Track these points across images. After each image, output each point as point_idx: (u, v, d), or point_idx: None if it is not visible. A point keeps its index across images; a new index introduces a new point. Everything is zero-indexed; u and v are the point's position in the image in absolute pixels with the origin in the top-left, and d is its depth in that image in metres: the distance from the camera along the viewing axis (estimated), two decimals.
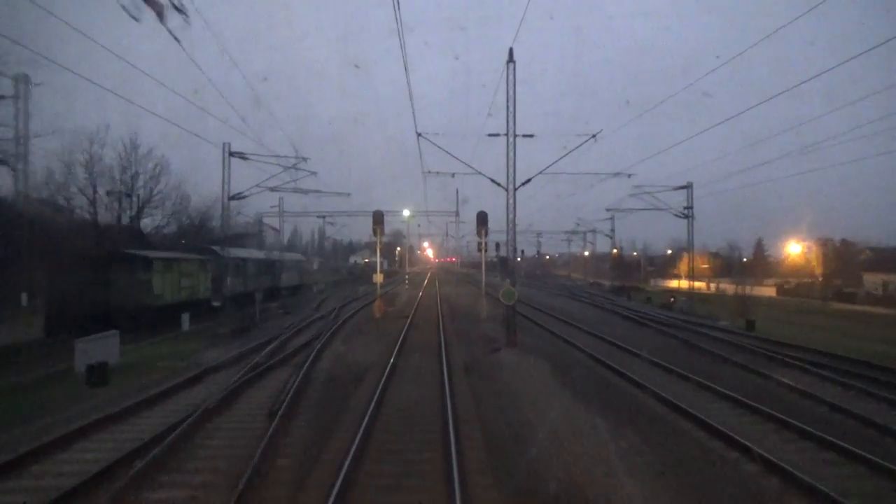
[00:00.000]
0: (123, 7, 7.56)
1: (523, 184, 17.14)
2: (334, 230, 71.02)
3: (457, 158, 17.96)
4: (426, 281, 65.66)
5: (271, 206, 35.91)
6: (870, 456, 7.49)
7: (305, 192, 25.23)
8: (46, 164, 24.68)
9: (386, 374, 12.71)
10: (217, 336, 20.20)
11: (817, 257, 64.94)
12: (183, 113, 21.35)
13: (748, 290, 49.80)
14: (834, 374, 13.25)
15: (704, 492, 6.83)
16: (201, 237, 46.90)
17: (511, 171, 17.00)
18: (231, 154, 21.52)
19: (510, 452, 7.97)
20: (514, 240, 16.82)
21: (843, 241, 69.36)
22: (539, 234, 73.00)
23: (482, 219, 25.59)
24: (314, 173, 23.76)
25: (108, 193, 26.07)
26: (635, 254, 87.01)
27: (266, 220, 42.94)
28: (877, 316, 33.48)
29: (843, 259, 65.47)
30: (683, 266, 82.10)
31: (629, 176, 24.73)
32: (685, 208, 29.36)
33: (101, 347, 14.47)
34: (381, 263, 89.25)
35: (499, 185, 17.31)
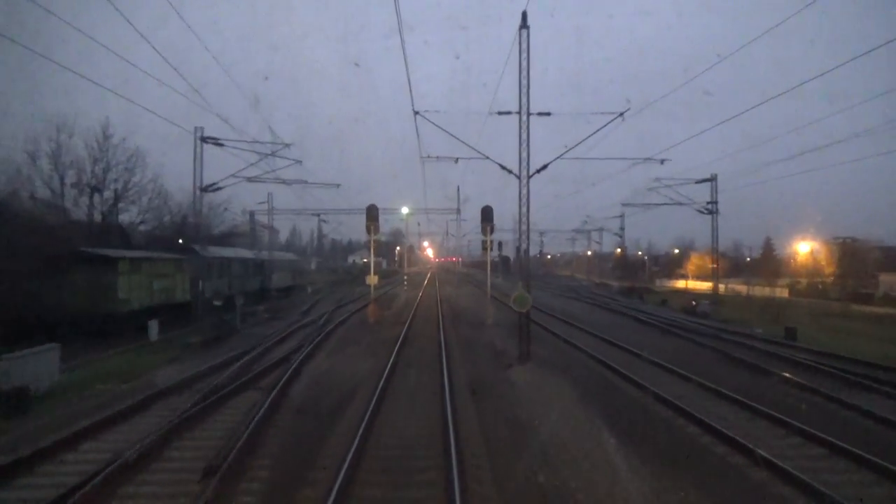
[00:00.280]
0: None
1: (539, 170, 14.65)
2: (331, 229, 68.72)
3: (459, 140, 15.46)
4: (426, 281, 63.13)
5: (259, 203, 33.34)
6: None
7: (289, 182, 22.60)
8: (6, 153, 22.23)
9: (375, 400, 10.20)
10: (187, 347, 17.68)
11: (826, 257, 62.72)
12: (154, 96, 18.90)
13: (759, 290, 47.45)
14: None
15: None
16: (185, 235, 44.53)
17: (524, 155, 14.50)
18: (203, 139, 18.96)
19: None
20: (528, 235, 14.34)
21: (854, 240, 67.17)
22: (542, 234, 70.50)
23: (487, 214, 23.15)
24: (298, 162, 21.22)
25: (73, 186, 23.53)
26: (640, 253, 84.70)
27: (265, 220, 40.56)
28: None
29: (855, 259, 63.21)
30: (691, 266, 79.91)
31: (662, 162, 22.11)
32: (708, 203, 26.84)
33: (34, 366, 11.97)
34: (379, 263, 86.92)
35: (510, 172, 14.81)
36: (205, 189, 19.36)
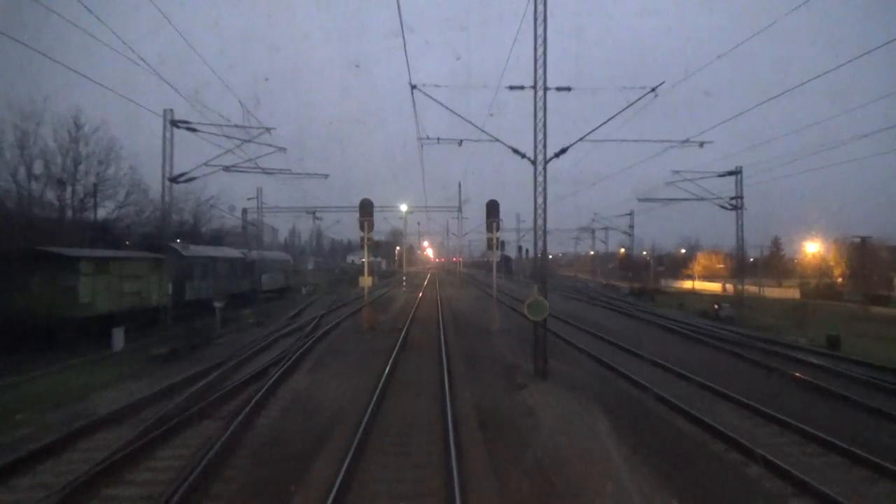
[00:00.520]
0: None
1: (557, 154, 12.44)
2: (327, 227, 66.66)
3: (463, 118, 13.25)
4: (426, 282, 60.97)
5: (249, 198, 31.15)
6: None
7: (272, 172, 20.33)
8: None
9: (359, 437, 8.03)
10: (152, 359, 15.52)
11: (835, 257, 60.78)
12: (124, 80, 16.68)
13: (769, 291, 45.28)
14: None
15: None
16: (182, 233, 42.33)
17: (541, 136, 12.30)
18: (174, 123, 16.75)
19: None
20: (545, 229, 12.15)
21: (863, 240, 65.33)
22: (545, 233, 68.19)
23: (492, 209, 21.02)
24: (282, 149, 19.00)
25: (36, 179, 21.34)
26: (644, 253, 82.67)
27: (262, 219, 38.37)
28: None
29: (868, 259, 61.24)
30: (698, 266, 77.83)
31: (701, 145, 19.64)
32: (732, 198, 24.63)
33: None
34: (378, 264, 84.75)
35: (523, 156, 12.63)
36: (174, 179, 17.16)
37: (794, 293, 55.32)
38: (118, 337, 17.34)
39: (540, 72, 12.36)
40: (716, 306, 25.64)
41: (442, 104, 12.89)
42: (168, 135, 16.67)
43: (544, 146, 12.37)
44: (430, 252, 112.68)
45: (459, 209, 46.98)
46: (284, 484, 6.67)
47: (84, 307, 17.84)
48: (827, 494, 6.36)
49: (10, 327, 16.02)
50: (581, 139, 12.64)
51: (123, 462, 7.26)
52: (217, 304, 21.41)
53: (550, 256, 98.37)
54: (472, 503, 6.13)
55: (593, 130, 12.35)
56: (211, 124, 16.44)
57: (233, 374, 13.13)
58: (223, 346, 17.51)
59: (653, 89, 12.57)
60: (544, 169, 12.38)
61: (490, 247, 21.63)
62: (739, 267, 28.25)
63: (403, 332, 19.26)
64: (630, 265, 77.20)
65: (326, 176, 25.42)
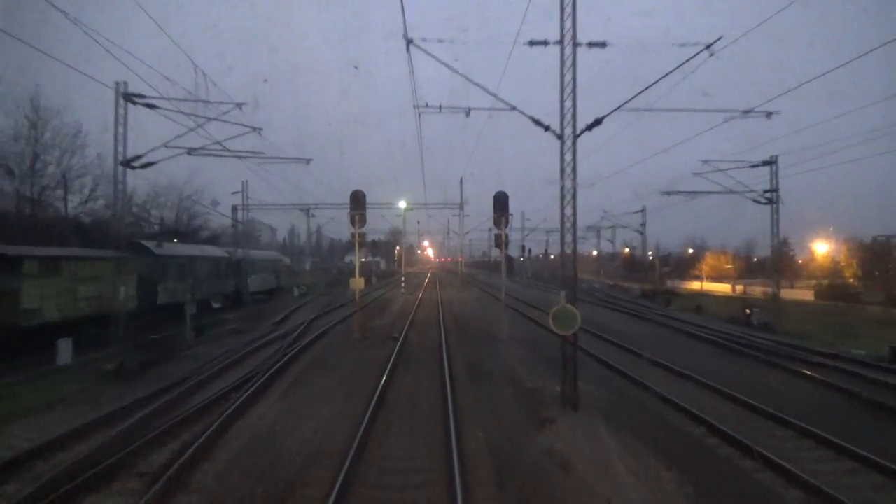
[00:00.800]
0: None
1: (591, 126, 9.91)
2: (325, 226, 64.23)
3: (470, 80, 10.73)
4: (426, 281, 58.52)
5: (233, 192, 28.65)
6: None
7: (242, 155, 17.69)
8: None
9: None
10: (103, 376, 13.06)
11: (846, 257, 58.58)
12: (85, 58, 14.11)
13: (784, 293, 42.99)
14: None
15: None
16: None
17: (569, 104, 9.82)
18: (127, 98, 14.18)
19: None
20: (574, 221, 9.67)
21: (875, 240, 63.25)
22: (549, 232, 66.06)
23: (501, 202, 18.56)
24: (257, 129, 16.37)
25: None
26: (649, 254, 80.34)
27: (256, 216, 36.00)
28: None
29: (882, 259, 59.05)
30: (706, 266, 75.45)
31: (768, 115, 16.68)
32: (766, 191, 22.12)
33: None
34: (377, 263, 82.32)
35: (546, 128, 10.14)
36: (128, 163, 14.59)
37: (805, 295, 52.90)
38: (65, 349, 14.83)
39: (568, 24, 9.89)
40: (747, 311, 23.13)
41: (446, 64, 10.41)
42: (121, 111, 14.16)
43: (573, 116, 9.89)
44: (430, 252, 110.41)
45: (461, 207, 44.67)
46: None
47: (27, 314, 15.37)
48: None
49: None
50: (620, 107, 10.09)
51: None
52: (189, 310, 18.93)
53: (552, 256, 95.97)
54: None
55: (640, 94, 9.83)
56: (172, 99, 13.92)
57: (188, 399, 10.65)
58: (189, 360, 15.03)
59: (707, 46, 10.08)
60: (573, 145, 9.90)
61: (498, 244, 19.21)
62: (774, 267, 25.72)
63: (400, 341, 16.80)
64: (635, 265, 74.83)
65: (309, 161, 22.82)
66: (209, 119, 14.78)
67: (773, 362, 14.49)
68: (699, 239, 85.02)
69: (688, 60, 9.66)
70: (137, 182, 39.31)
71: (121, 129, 14.16)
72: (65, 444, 8.05)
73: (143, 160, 14.76)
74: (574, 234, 9.88)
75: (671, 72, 9.29)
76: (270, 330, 21.18)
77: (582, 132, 9.95)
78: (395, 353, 14.73)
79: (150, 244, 23.43)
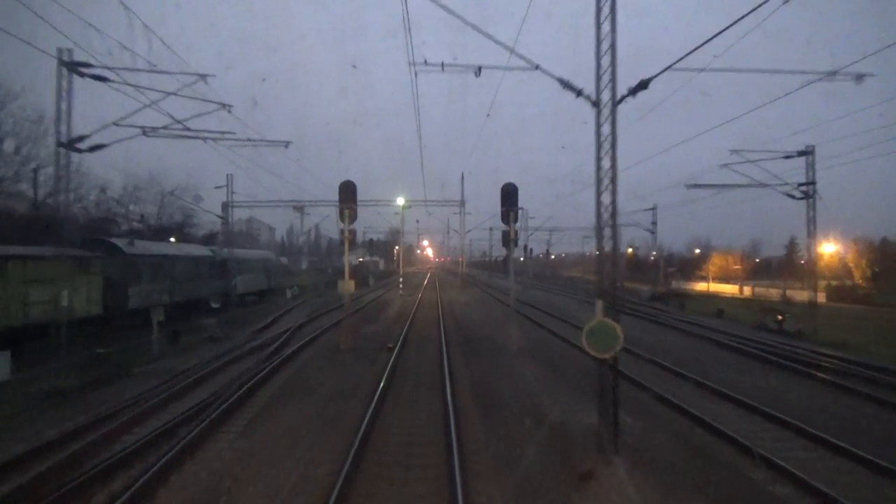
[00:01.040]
0: None
1: (634, 91, 7.69)
2: (322, 225, 61.99)
3: (482, 32, 8.51)
4: (425, 282, 56.39)
5: (217, 187, 26.44)
6: None
7: (209, 136, 15.29)
8: None
9: None
10: (44, 397, 10.90)
11: (854, 258, 56.85)
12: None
13: (794, 294, 40.99)
14: None
15: None
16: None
17: (606, 65, 7.63)
18: (71, 67, 11.88)
19: None
20: (614, 210, 7.49)
21: (884, 240, 61.59)
22: (551, 231, 63.87)
23: (509, 195, 16.45)
24: (226, 107, 14.08)
25: None
26: (653, 254, 78.28)
27: (250, 214, 33.86)
28: None
29: (893, 260, 57.27)
30: (712, 267, 73.45)
31: (858, 78, 13.83)
32: (801, 185, 19.93)
33: None
34: (376, 263, 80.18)
35: (579, 93, 7.96)
36: (70, 144, 12.32)
37: (819, 296, 50.80)
38: (2, 363, 12.64)
39: None
40: (779, 317, 20.90)
41: (451, 11, 8.20)
42: (64, 83, 11.92)
43: (613, 79, 7.69)
44: (429, 251, 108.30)
45: (462, 204, 42.53)
46: None
47: None
48: None
49: None
50: (669, 67, 7.85)
51: None
52: (155, 317, 16.73)
53: (552, 256, 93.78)
54: None
55: (697, 48, 7.58)
56: (125, 69, 11.67)
57: (118, 437, 8.43)
58: (146, 377, 12.81)
59: None
60: (612, 113, 7.70)
61: (505, 242, 17.06)
62: (810, 269, 23.44)
63: (395, 354, 14.62)
64: (639, 266, 72.82)
65: (287, 144, 20.62)
66: (168, 94, 12.54)
67: (831, 381, 12.29)
68: (704, 239, 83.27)
69: (760, 5, 7.43)
70: (112, 174, 37.17)
71: (63, 106, 11.98)
72: None
73: (90, 141, 12.58)
74: (614, 229, 7.67)
75: (744, 16, 7.06)
76: (251, 338, 18.99)
77: (623, 98, 7.75)
78: (387, 371, 12.53)
79: (120, 242, 21.25)
